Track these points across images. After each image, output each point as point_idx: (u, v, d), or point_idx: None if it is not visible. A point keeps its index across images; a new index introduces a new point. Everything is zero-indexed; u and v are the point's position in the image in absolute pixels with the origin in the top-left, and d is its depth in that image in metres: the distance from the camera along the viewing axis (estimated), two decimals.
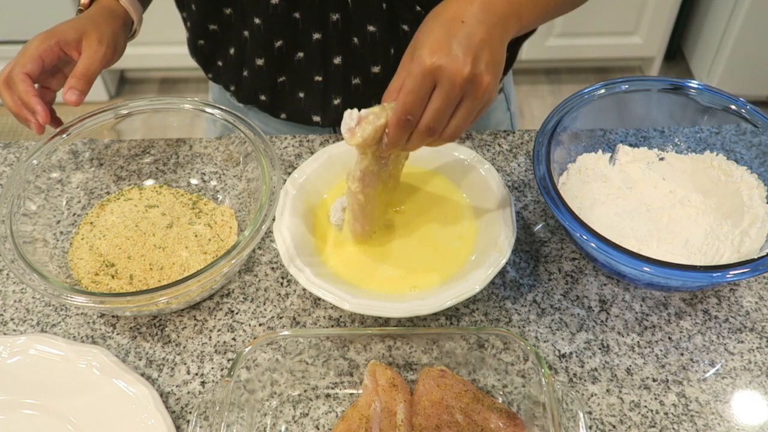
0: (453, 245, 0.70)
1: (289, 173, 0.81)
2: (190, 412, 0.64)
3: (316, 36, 0.81)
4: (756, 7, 1.95)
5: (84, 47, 0.75)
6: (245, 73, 0.88)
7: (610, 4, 2.13)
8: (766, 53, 2.07)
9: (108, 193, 0.81)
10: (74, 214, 0.78)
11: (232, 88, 0.92)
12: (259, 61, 0.85)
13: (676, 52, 2.39)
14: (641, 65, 2.42)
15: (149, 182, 0.82)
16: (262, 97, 0.89)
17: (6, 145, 0.89)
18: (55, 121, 0.76)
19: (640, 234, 0.71)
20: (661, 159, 0.79)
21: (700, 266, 0.61)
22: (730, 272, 0.60)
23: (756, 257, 0.62)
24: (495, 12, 0.59)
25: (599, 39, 2.24)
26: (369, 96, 0.86)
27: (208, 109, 0.78)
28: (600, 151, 0.79)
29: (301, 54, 0.83)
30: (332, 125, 0.91)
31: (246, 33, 0.84)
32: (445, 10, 0.59)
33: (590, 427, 0.62)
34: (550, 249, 0.75)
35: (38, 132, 0.74)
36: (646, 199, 0.75)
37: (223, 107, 0.78)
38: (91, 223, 0.77)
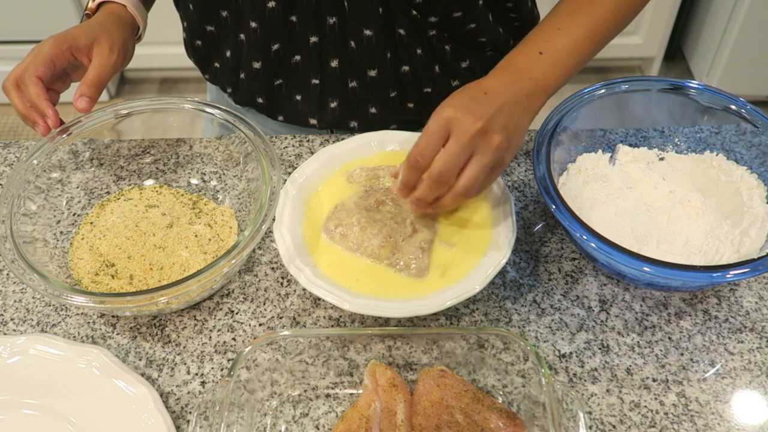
0: (453, 245, 0.70)
1: (289, 173, 0.81)
2: (190, 412, 0.64)
3: (313, 39, 0.81)
4: (756, 7, 1.95)
5: (95, 54, 0.76)
6: (242, 76, 0.88)
7: None
8: (766, 53, 2.07)
9: (108, 193, 0.81)
10: (74, 214, 0.78)
11: (229, 90, 0.92)
12: (256, 64, 0.85)
13: (676, 52, 2.39)
14: (641, 65, 2.41)
15: (149, 182, 0.82)
16: (260, 100, 0.89)
17: (6, 145, 0.89)
18: (61, 126, 0.77)
19: (640, 234, 0.71)
20: (661, 159, 0.79)
21: (700, 266, 0.61)
22: (730, 272, 0.60)
23: (756, 257, 0.62)
24: (519, 90, 0.64)
25: None
26: (365, 99, 0.86)
27: (208, 109, 0.78)
28: (600, 151, 0.79)
29: (297, 57, 0.84)
30: (329, 128, 0.91)
31: (242, 36, 0.84)
32: (470, 86, 0.64)
33: (590, 427, 0.62)
34: (550, 249, 0.75)
35: (44, 134, 0.75)
36: (646, 199, 0.75)
37: (223, 107, 0.78)
38: (91, 223, 0.77)
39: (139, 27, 0.84)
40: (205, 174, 0.83)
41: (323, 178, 0.75)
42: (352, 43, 0.81)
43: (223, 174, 0.82)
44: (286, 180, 0.73)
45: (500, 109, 0.61)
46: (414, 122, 0.90)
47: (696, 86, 0.77)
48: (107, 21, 0.79)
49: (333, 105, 0.87)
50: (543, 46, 0.66)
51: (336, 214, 0.71)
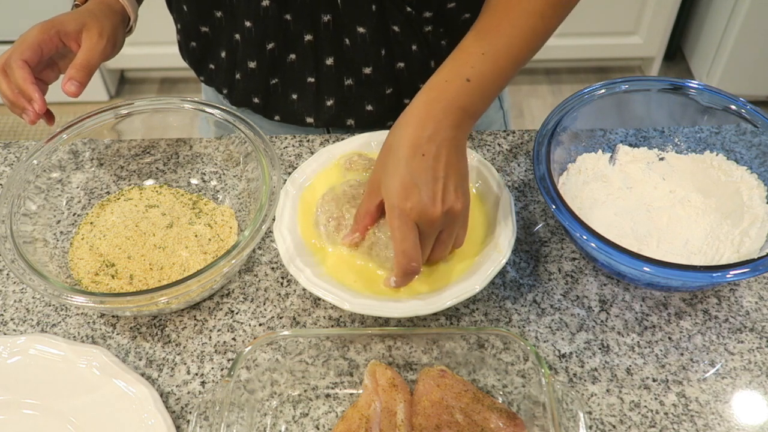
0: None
1: (289, 173, 0.81)
2: (190, 412, 0.64)
3: (308, 37, 0.81)
4: (756, 7, 1.95)
5: (84, 39, 0.75)
6: (237, 76, 0.88)
7: (610, 4, 2.13)
8: (766, 53, 2.07)
9: (108, 193, 0.81)
10: (74, 214, 0.78)
11: (225, 91, 0.92)
12: (252, 64, 0.85)
13: (676, 52, 2.39)
14: (641, 65, 2.42)
15: (149, 182, 0.82)
16: (256, 100, 0.89)
17: (6, 145, 0.89)
18: (49, 115, 0.75)
19: (640, 234, 0.71)
20: (661, 159, 0.79)
21: (700, 266, 0.61)
22: (730, 272, 0.60)
23: (756, 257, 0.62)
24: (449, 124, 0.62)
25: (599, 39, 2.24)
26: (361, 97, 0.86)
27: (208, 109, 0.78)
28: (600, 151, 0.79)
29: (293, 56, 0.83)
30: (325, 126, 0.91)
31: (237, 36, 0.84)
32: (401, 143, 0.61)
33: (590, 427, 0.62)
34: (550, 249, 0.76)
35: (32, 122, 0.73)
36: (646, 199, 0.75)
37: (224, 107, 0.78)
38: (91, 223, 0.77)
39: (129, 18, 0.82)
40: (205, 174, 0.83)
41: (323, 178, 0.75)
42: (347, 41, 0.81)
43: (223, 174, 0.82)
44: (286, 180, 0.73)
45: (446, 170, 0.60)
46: None
47: (696, 86, 0.77)
48: (96, 9, 0.78)
49: (329, 103, 0.87)
50: (469, 72, 0.64)
51: (325, 205, 0.70)
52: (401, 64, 0.84)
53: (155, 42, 2.14)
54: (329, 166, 0.75)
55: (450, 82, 0.63)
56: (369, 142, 0.77)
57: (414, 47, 0.82)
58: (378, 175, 0.63)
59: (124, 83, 2.39)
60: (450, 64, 0.65)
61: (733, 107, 0.75)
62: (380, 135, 0.78)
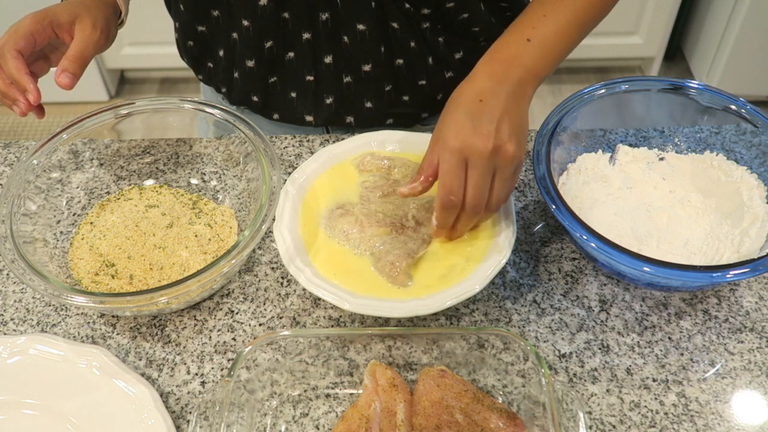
0: (453, 245, 0.70)
1: (289, 173, 0.81)
2: (190, 412, 0.64)
3: (306, 36, 0.81)
4: (756, 7, 1.95)
5: (77, 30, 0.74)
6: (236, 75, 0.88)
7: None
8: (766, 53, 2.07)
9: (108, 193, 0.81)
10: (74, 214, 0.78)
11: (224, 90, 0.92)
12: (250, 63, 0.85)
13: (676, 52, 2.39)
14: (641, 65, 2.41)
15: (149, 182, 0.82)
16: (254, 98, 0.89)
17: (6, 145, 0.89)
18: (39, 108, 0.74)
19: (640, 234, 0.71)
20: (661, 159, 0.79)
21: (700, 266, 0.61)
22: (730, 272, 0.60)
23: (756, 257, 0.62)
24: (510, 80, 0.64)
25: (599, 39, 2.24)
26: (361, 94, 0.86)
27: (208, 109, 0.78)
28: (600, 151, 0.79)
29: (291, 54, 0.83)
30: (325, 124, 0.91)
31: (234, 35, 0.84)
32: (462, 93, 0.64)
33: (590, 427, 0.62)
34: (550, 249, 0.75)
35: (23, 114, 0.72)
36: (646, 199, 0.75)
37: (224, 107, 0.78)
38: (91, 223, 0.77)
39: (121, 11, 0.81)
40: (205, 174, 0.83)
41: (323, 178, 0.75)
42: (346, 39, 0.81)
43: (223, 174, 0.82)
44: (286, 180, 0.73)
45: (502, 115, 0.62)
46: (410, 115, 0.90)
47: (696, 86, 0.77)
48: (89, 0, 0.77)
49: (328, 101, 0.87)
50: (531, 32, 0.66)
51: (337, 211, 0.71)
52: (400, 61, 0.84)
53: (155, 42, 2.14)
54: (339, 165, 0.76)
55: (511, 43, 0.65)
56: (369, 142, 0.77)
57: (413, 44, 0.82)
58: (438, 126, 0.64)
59: (124, 83, 2.39)
60: (513, 27, 0.67)
61: (733, 107, 0.75)
62: (380, 135, 0.78)
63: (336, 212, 0.71)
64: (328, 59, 0.83)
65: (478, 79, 0.64)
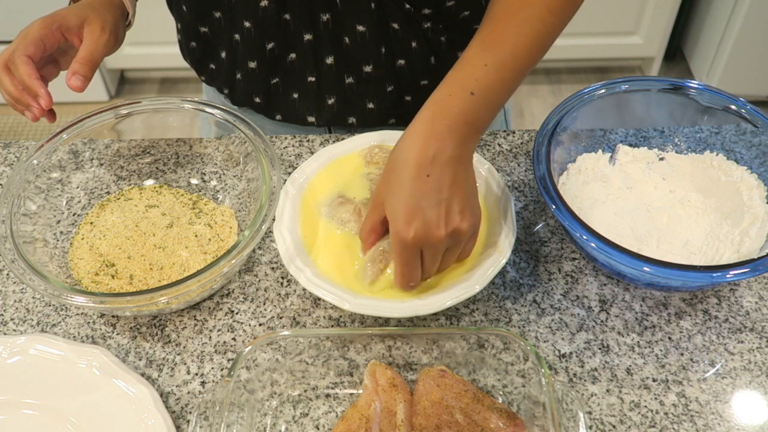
0: None
1: (289, 173, 0.81)
2: (190, 412, 0.64)
3: (307, 37, 0.81)
4: (756, 7, 1.95)
5: (86, 33, 0.74)
6: (238, 76, 0.88)
7: (610, 4, 2.13)
8: (766, 53, 2.07)
9: (108, 193, 0.81)
10: (74, 214, 0.78)
11: (226, 91, 0.92)
12: (252, 64, 0.85)
13: (676, 52, 2.39)
14: (641, 65, 2.42)
15: (149, 182, 0.82)
16: (257, 99, 0.89)
17: (6, 145, 0.89)
18: (51, 113, 0.74)
19: (640, 234, 0.71)
20: (661, 159, 0.79)
21: (700, 266, 0.61)
22: (730, 272, 0.60)
23: (756, 257, 0.62)
24: (455, 141, 0.61)
25: (599, 39, 2.24)
26: (362, 95, 0.86)
27: (208, 109, 0.78)
28: (600, 151, 0.79)
29: (293, 55, 0.83)
30: (327, 125, 0.91)
31: (236, 36, 0.84)
32: (406, 161, 0.61)
33: (590, 427, 0.62)
34: (550, 249, 0.75)
35: (35, 119, 0.72)
36: (646, 199, 0.75)
37: (224, 107, 0.78)
38: (91, 223, 0.77)
39: (128, 12, 0.81)
40: (205, 174, 0.83)
41: (323, 178, 0.75)
42: (347, 39, 0.81)
43: (223, 174, 0.82)
44: (286, 180, 0.73)
45: (451, 190, 0.60)
46: (412, 115, 0.89)
47: (696, 86, 0.77)
48: (96, 3, 0.77)
49: (330, 102, 0.87)
50: (473, 85, 0.62)
51: (337, 199, 0.72)
52: (401, 62, 0.84)
53: (155, 42, 2.14)
54: (350, 156, 0.76)
55: (453, 96, 0.62)
56: (369, 142, 0.77)
57: (414, 44, 0.82)
58: (382, 193, 0.62)
59: (124, 83, 2.39)
60: (453, 77, 0.64)
61: (733, 107, 0.75)
62: (380, 135, 0.78)
63: (336, 200, 0.72)
64: (329, 60, 0.83)
65: (420, 144, 0.60)
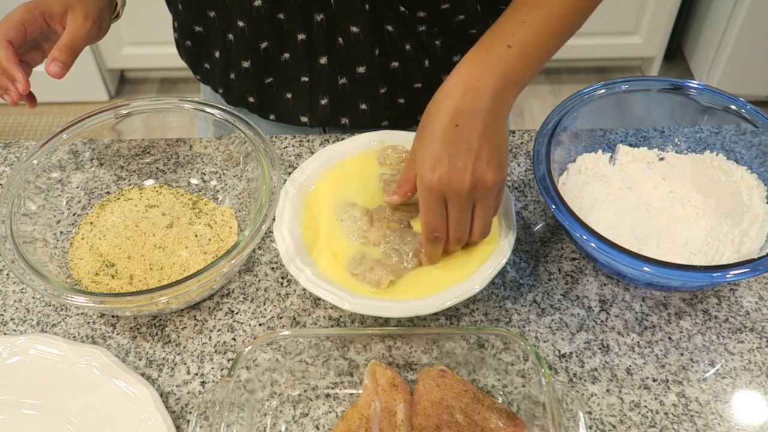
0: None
1: (289, 173, 0.81)
2: (190, 412, 0.64)
3: (301, 37, 0.81)
4: (756, 7, 1.95)
5: (69, 21, 0.74)
6: (232, 76, 0.88)
7: (610, 4, 2.13)
8: (766, 53, 2.07)
9: (108, 193, 0.81)
10: (74, 214, 0.78)
11: (221, 90, 0.92)
12: (246, 63, 0.85)
13: (676, 52, 2.39)
14: (641, 65, 2.42)
15: (149, 182, 0.82)
16: (251, 99, 0.89)
17: (6, 145, 0.89)
18: (31, 98, 0.74)
19: (640, 234, 0.71)
20: (661, 159, 0.79)
21: (700, 266, 0.61)
22: (730, 272, 0.60)
23: (756, 257, 0.62)
24: (490, 93, 0.61)
25: (599, 39, 2.24)
26: (355, 96, 0.86)
27: (208, 109, 0.78)
28: (600, 151, 0.79)
29: (287, 55, 0.83)
30: (320, 125, 0.91)
31: (230, 36, 0.84)
32: (438, 113, 0.61)
33: (590, 427, 0.62)
34: (550, 249, 0.76)
35: (13, 103, 0.72)
36: (646, 199, 0.75)
37: (223, 107, 0.78)
38: (91, 223, 0.77)
39: (116, 3, 0.81)
40: (205, 174, 0.83)
41: (323, 179, 0.75)
42: (340, 40, 0.81)
43: (223, 174, 0.82)
44: (286, 180, 0.73)
45: (480, 140, 0.60)
46: (405, 117, 0.90)
47: (696, 86, 0.77)
48: None
49: (323, 102, 0.87)
50: (510, 39, 0.63)
51: (350, 200, 0.72)
52: (395, 64, 0.84)
53: (155, 42, 2.14)
54: (362, 155, 0.76)
55: (490, 50, 0.63)
56: (369, 142, 0.77)
57: (408, 47, 0.82)
58: (415, 145, 0.64)
59: (124, 83, 2.39)
60: (490, 34, 0.65)
61: (733, 107, 0.75)
62: (380, 135, 0.78)
63: (349, 201, 0.72)
64: (323, 60, 0.83)
65: (454, 95, 0.60)
